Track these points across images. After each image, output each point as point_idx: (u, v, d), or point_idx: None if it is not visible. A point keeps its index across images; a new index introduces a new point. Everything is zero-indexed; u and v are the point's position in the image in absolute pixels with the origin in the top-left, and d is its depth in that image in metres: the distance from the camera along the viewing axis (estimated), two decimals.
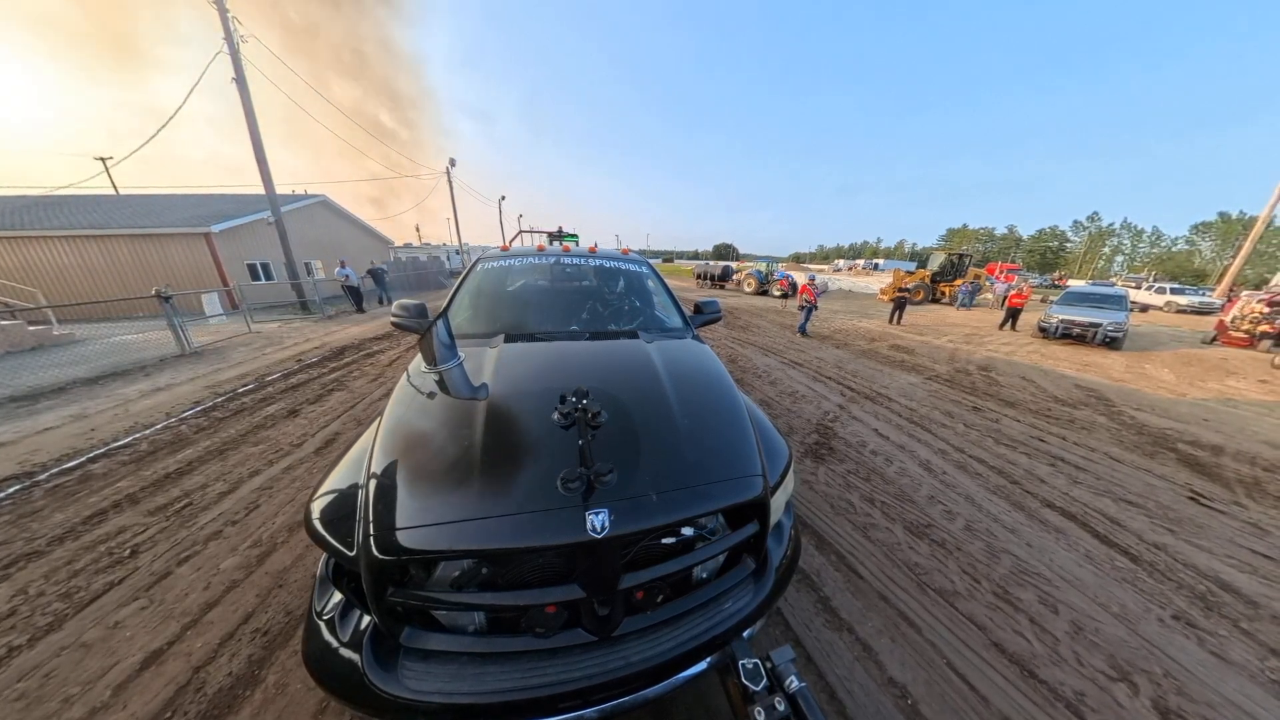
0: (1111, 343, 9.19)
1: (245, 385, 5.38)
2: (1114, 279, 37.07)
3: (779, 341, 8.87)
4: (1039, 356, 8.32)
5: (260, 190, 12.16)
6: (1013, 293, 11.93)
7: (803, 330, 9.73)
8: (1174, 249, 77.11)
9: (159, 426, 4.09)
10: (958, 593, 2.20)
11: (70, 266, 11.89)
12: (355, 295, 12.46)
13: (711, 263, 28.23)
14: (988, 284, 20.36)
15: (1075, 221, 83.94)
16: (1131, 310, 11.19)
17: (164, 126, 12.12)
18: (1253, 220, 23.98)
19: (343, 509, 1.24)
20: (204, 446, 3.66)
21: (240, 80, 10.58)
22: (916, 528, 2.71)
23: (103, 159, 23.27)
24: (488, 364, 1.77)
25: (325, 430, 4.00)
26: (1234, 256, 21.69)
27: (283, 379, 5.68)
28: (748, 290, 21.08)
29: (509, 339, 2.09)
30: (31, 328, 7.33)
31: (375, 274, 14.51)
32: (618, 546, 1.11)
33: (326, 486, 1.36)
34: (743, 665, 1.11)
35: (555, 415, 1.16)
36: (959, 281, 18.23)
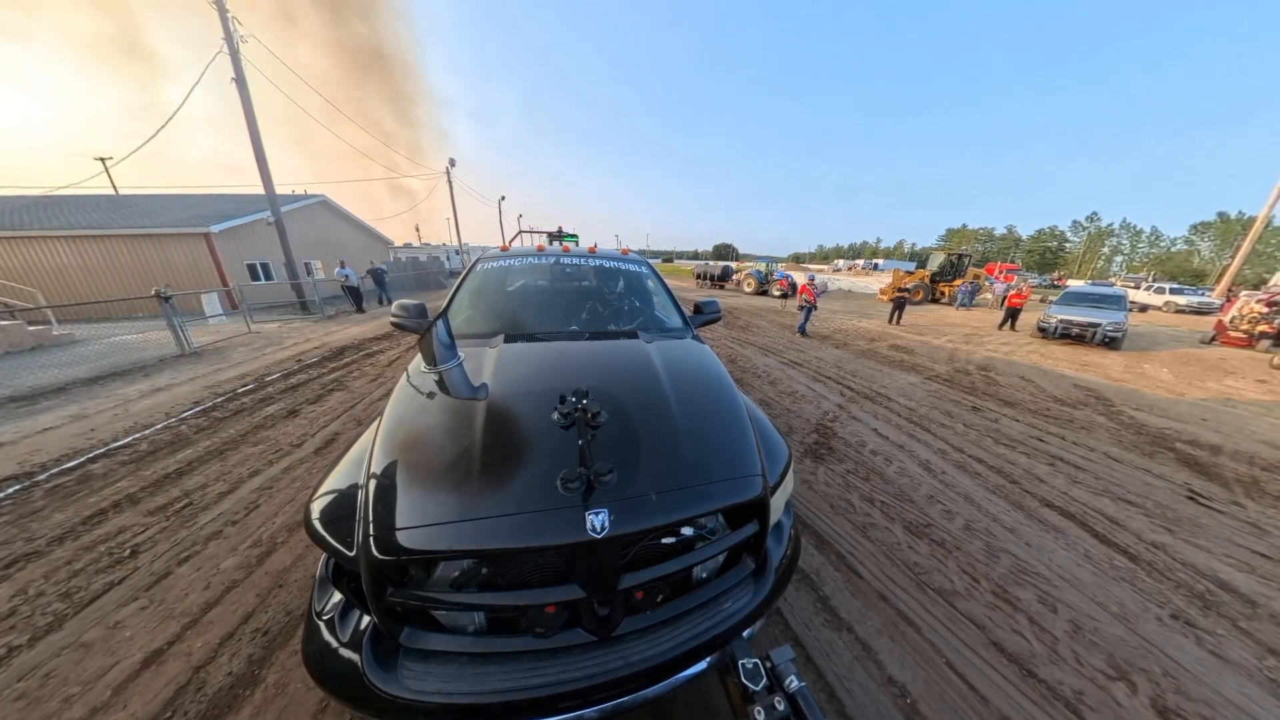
0: (1110, 343, 9.20)
1: (245, 385, 5.37)
2: (1113, 279, 37.12)
3: (778, 341, 8.88)
4: (1038, 356, 8.33)
5: (260, 190, 12.16)
6: (1012, 293, 11.94)
7: (802, 330, 9.73)
8: (1173, 249, 77.18)
9: (159, 427, 4.09)
10: (957, 592, 2.20)
11: (70, 266, 11.88)
12: (355, 295, 12.45)
13: (711, 263, 28.25)
14: (987, 284, 20.38)
15: (1074, 222, 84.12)
16: (1130, 310, 11.20)
17: (164, 126, 12.12)
18: (1251, 220, 24.01)
19: (342, 509, 1.25)
20: (204, 447, 3.66)
21: (240, 80, 10.58)
22: (916, 527, 2.71)
23: (102, 159, 23.25)
24: (487, 364, 1.77)
25: (325, 430, 4.00)
26: (1233, 256, 21.72)
27: (282, 379, 5.68)
28: (747, 290, 21.08)
29: (509, 339, 2.09)
30: (31, 328, 7.33)
31: (375, 274, 14.50)
32: (617, 546, 1.11)
33: (326, 486, 1.37)
34: (742, 665, 1.11)
35: (555, 415, 1.16)
36: (958, 281, 18.25)
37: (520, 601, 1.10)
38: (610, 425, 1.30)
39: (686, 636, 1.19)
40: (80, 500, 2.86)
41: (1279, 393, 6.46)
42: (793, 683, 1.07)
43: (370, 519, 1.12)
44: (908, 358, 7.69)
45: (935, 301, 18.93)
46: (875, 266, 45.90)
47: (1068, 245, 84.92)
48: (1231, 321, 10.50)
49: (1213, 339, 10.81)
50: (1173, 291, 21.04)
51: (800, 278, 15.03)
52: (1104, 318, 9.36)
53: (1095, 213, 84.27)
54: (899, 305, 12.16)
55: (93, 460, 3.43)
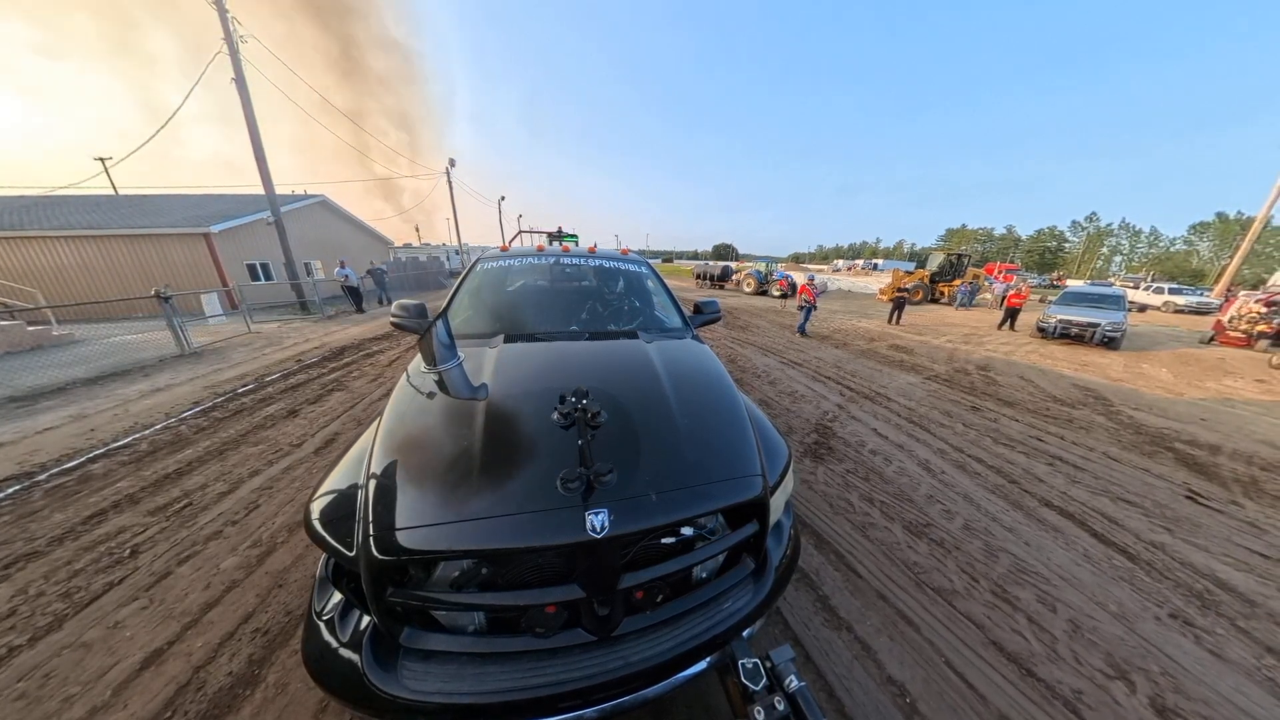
0: (1109, 342, 9.21)
1: (245, 385, 5.37)
2: (1112, 279, 37.15)
3: (778, 341, 8.88)
4: (1037, 356, 8.33)
5: (260, 190, 12.16)
6: (1011, 293, 11.95)
7: (802, 330, 9.74)
8: (1172, 249, 77.26)
9: (159, 427, 4.09)
10: (956, 591, 2.21)
11: (70, 267, 11.87)
12: (355, 295, 12.45)
13: (711, 263, 28.26)
14: (986, 284, 20.39)
15: (1073, 222, 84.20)
16: (1129, 310, 11.21)
17: (164, 126, 12.12)
18: (1250, 220, 24.05)
19: (342, 509, 1.25)
20: (204, 447, 3.66)
21: (239, 80, 10.57)
22: (915, 527, 2.72)
23: (102, 159, 23.21)
24: (487, 364, 1.77)
25: (325, 430, 4.00)
26: (1231, 256, 21.75)
27: (282, 379, 5.68)
28: (747, 290, 21.09)
29: (509, 339, 2.09)
30: (31, 328, 7.32)
31: (375, 274, 14.50)
32: (617, 546, 1.11)
33: (326, 487, 1.37)
34: (742, 665, 1.12)
35: (555, 415, 1.17)
36: (958, 281, 18.26)
37: (520, 601, 1.10)
38: (610, 425, 1.30)
39: (686, 636, 1.19)
40: (80, 500, 2.86)
41: (1278, 393, 6.47)
42: (792, 682, 1.07)
43: (370, 519, 1.12)
44: (907, 358, 7.69)
45: (935, 301, 18.94)
46: (875, 266, 45.92)
47: (1067, 245, 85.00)
48: (1230, 321, 10.51)
49: (1211, 339, 10.82)
50: (1171, 291, 21.07)
51: (800, 278, 15.03)
52: (1103, 318, 9.37)
53: (1094, 213, 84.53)
54: (898, 305, 12.17)
55: (93, 460, 3.43)
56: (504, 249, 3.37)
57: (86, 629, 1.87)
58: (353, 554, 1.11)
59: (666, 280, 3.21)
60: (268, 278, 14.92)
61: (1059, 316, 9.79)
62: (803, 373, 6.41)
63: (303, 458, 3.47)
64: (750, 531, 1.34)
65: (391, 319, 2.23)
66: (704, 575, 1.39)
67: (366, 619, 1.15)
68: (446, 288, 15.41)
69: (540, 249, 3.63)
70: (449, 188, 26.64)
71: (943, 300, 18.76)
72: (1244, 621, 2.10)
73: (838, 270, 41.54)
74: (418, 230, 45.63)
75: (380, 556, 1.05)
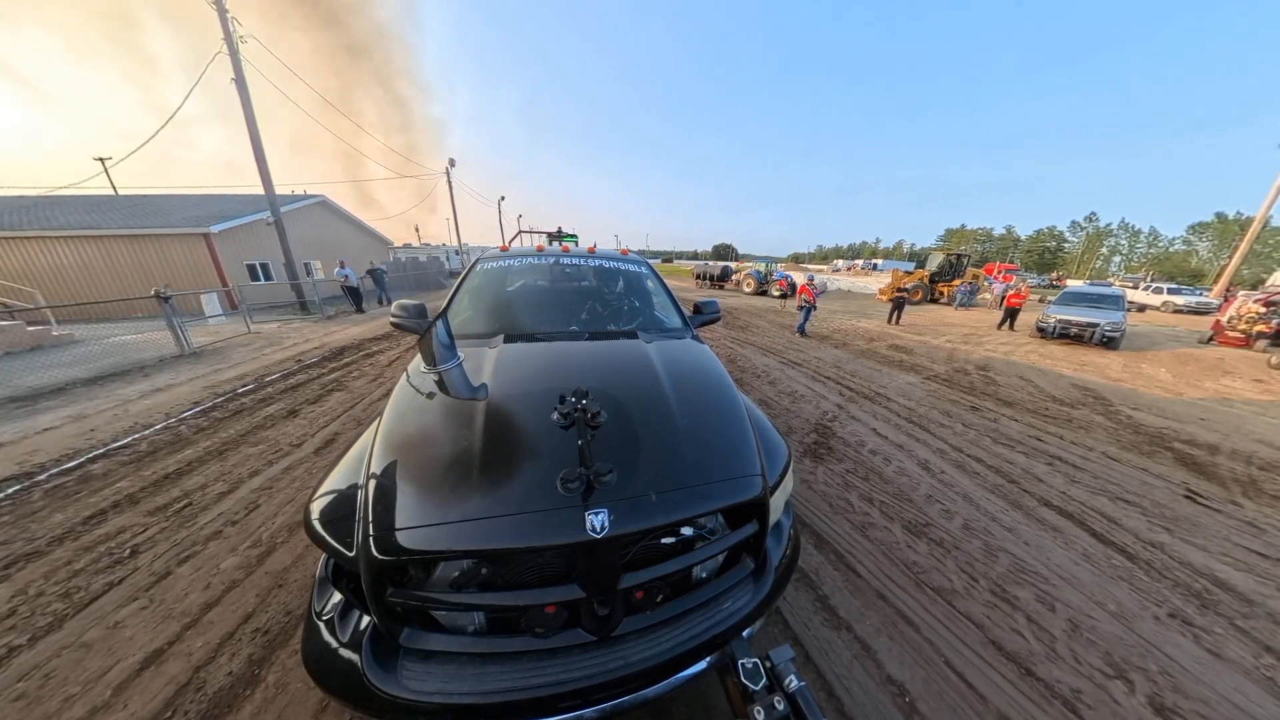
0: (1109, 342, 9.22)
1: (245, 386, 5.37)
2: (1111, 279, 37.18)
3: (778, 341, 8.89)
4: (1037, 356, 8.34)
5: (260, 190, 12.15)
6: (1011, 293, 11.96)
7: (802, 330, 9.75)
8: (1171, 249, 77.33)
9: (158, 427, 4.09)
10: (955, 591, 2.21)
11: (69, 267, 11.87)
12: (355, 295, 12.45)
13: (711, 263, 28.27)
14: (986, 284, 20.41)
15: (1073, 222, 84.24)
16: (1129, 310, 11.22)
17: (164, 126, 12.12)
18: (1249, 221, 24.08)
19: (342, 509, 1.25)
20: (203, 447, 3.66)
21: (239, 80, 10.57)
22: (915, 526, 2.72)
23: (101, 159, 23.19)
24: (487, 364, 1.77)
25: (325, 431, 4.00)
26: (1230, 257, 21.77)
27: (282, 379, 5.68)
28: (747, 290, 21.09)
29: (508, 339, 2.09)
30: (30, 328, 7.32)
31: (375, 274, 14.49)
32: (617, 546, 1.11)
33: (326, 487, 1.37)
34: (742, 665, 1.12)
35: (555, 415, 1.17)
36: (957, 282, 18.27)
37: (520, 601, 1.10)
38: (610, 425, 1.30)
39: (686, 636, 1.19)
40: (80, 500, 2.86)
41: (1276, 392, 6.48)
42: (792, 682, 1.07)
43: (370, 519, 1.12)
44: (907, 358, 7.70)
45: (934, 301, 18.95)
46: (874, 266, 45.94)
47: (1066, 245, 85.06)
48: (1229, 321, 10.52)
49: (1210, 339, 10.84)
50: (1170, 291, 21.10)
51: (799, 278, 15.04)
52: (1102, 318, 9.38)
53: (1094, 213, 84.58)
54: (898, 305, 12.17)
55: (92, 460, 3.43)
56: (504, 249, 3.38)
57: (86, 629, 1.87)
58: (352, 554, 1.11)
59: (666, 280, 3.21)
60: (267, 278, 14.92)
61: (1058, 316, 9.80)
62: (802, 373, 6.42)
63: (302, 458, 3.47)
64: (750, 531, 1.34)
65: (391, 319, 2.23)
66: (704, 575, 1.39)
67: (366, 619, 1.15)
68: (446, 288, 15.40)
69: (540, 249, 3.63)
70: (449, 188, 26.64)
71: (942, 300, 18.76)
72: (1242, 621, 2.11)
73: (837, 270, 41.56)
74: (417, 230, 45.60)
75: (380, 556, 1.06)
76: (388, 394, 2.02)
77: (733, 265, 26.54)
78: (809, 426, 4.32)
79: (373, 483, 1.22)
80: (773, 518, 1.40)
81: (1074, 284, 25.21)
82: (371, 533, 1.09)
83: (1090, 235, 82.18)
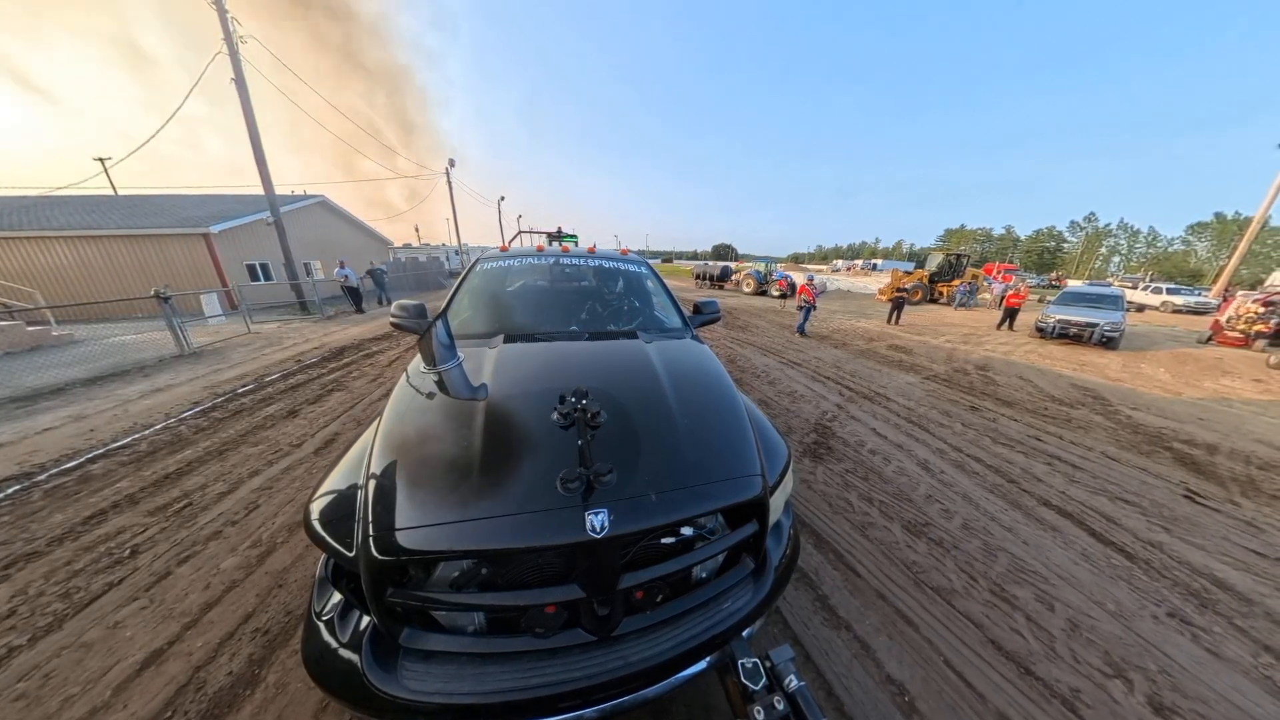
0: (1108, 342, 9.23)
1: (244, 386, 5.37)
2: (1110, 279, 37.22)
3: (777, 341, 8.89)
4: (1036, 356, 8.35)
5: (259, 190, 12.15)
6: (1010, 293, 11.97)
7: (801, 330, 9.75)
8: (1170, 249, 77.40)
9: (158, 427, 4.09)
10: (955, 591, 2.21)
11: (69, 267, 11.86)
12: (355, 296, 12.45)
13: (710, 263, 28.29)
14: (985, 284, 20.42)
15: (1072, 222, 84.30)
16: (1128, 310, 11.23)
17: (163, 126, 12.12)
18: (1248, 221, 24.11)
19: (342, 509, 1.25)
20: (203, 447, 3.66)
21: (239, 81, 10.57)
22: (914, 526, 2.72)
23: (101, 159, 23.18)
24: (487, 364, 1.77)
25: (325, 431, 4.00)
26: (1229, 257, 21.80)
27: (282, 379, 5.67)
28: (746, 290, 21.10)
29: (508, 339, 2.09)
30: (30, 328, 7.31)
31: (375, 274, 14.49)
32: (617, 546, 1.11)
33: (326, 487, 1.37)
34: (742, 665, 1.12)
35: (555, 415, 1.17)
36: (957, 282, 18.28)
37: (520, 601, 1.10)
38: (610, 425, 1.30)
39: (686, 636, 1.19)
40: (80, 500, 2.86)
41: (1275, 392, 6.49)
42: (792, 682, 1.07)
43: (370, 519, 1.12)
44: (906, 358, 7.70)
45: (934, 302, 18.96)
46: (874, 267, 45.96)
47: (1065, 245, 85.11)
48: (1228, 321, 10.54)
49: (1209, 339, 10.85)
50: (1170, 291, 21.13)
51: (799, 278, 15.05)
52: (1101, 318, 9.39)
53: (1093, 213, 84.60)
54: (897, 305, 12.18)
55: (92, 461, 3.43)
56: (504, 249, 3.38)
57: (86, 629, 1.88)
58: (352, 554, 1.11)
59: (666, 280, 3.21)
60: (267, 278, 14.91)
61: (1057, 316, 9.81)
62: (802, 373, 6.42)
63: (302, 458, 3.47)
64: (750, 531, 1.34)
65: (391, 319, 2.23)
66: (704, 575, 1.40)
67: (366, 619, 1.15)
68: (446, 288, 15.40)
69: (540, 249, 3.63)
70: (449, 188, 26.63)
71: (942, 300, 18.77)
72: (1241, 620, 2.11)
73: (837, 270, 41.59)
74: (417, 230, 45.58)
75: (380, 557, 1.06)
76: (387, 394, 2.02)
77: (732, 265, 26.56)
78: (808, 426, 4.32)
79: (372, 483, 1.22)
80: (772, 518, 1.40)
81: (1073, 284, 25.24)
82: (371, 533, 1.09)
83: (1089, 235, 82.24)
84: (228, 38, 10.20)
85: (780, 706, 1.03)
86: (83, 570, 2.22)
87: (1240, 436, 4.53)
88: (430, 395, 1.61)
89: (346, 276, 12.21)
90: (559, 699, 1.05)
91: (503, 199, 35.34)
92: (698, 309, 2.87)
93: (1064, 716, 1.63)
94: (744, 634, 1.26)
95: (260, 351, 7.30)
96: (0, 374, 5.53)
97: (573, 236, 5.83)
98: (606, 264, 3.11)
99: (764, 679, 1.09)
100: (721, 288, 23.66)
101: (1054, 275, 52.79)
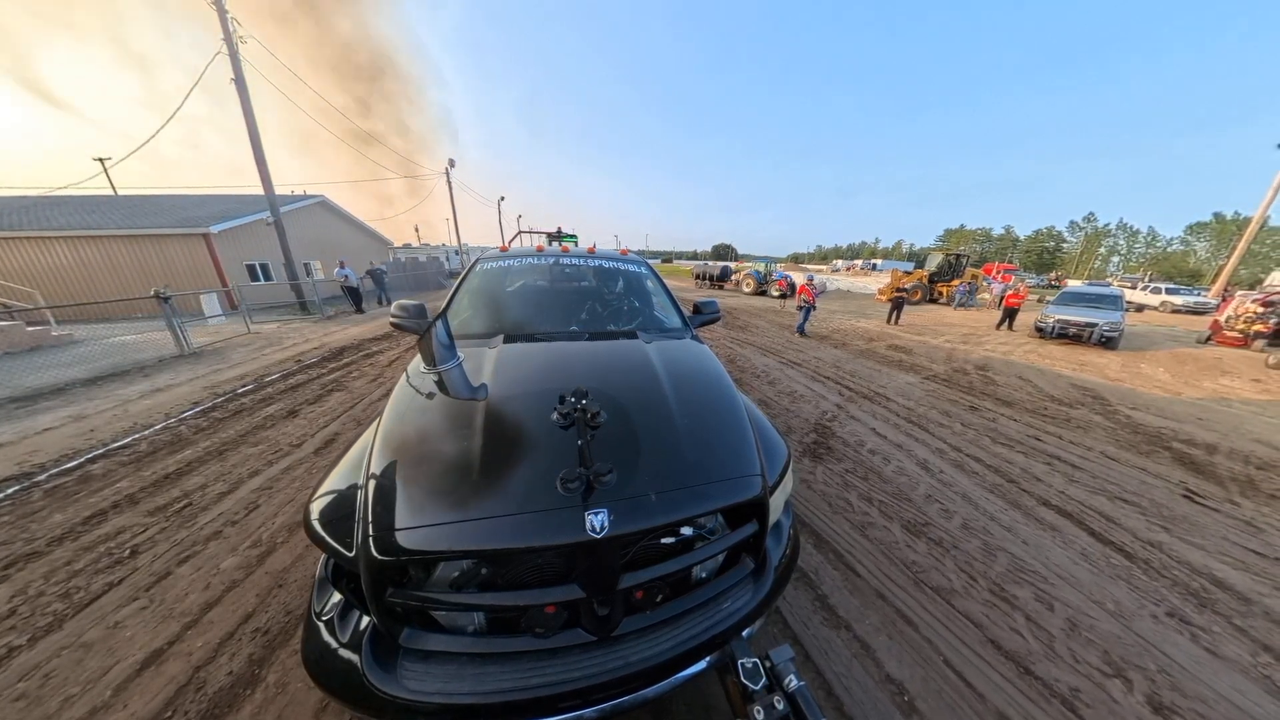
0: (1107, 342, 9.23)
1: (244, 386, 5.37)
2: (1110, 279, 37.24)
3: (777, 341, 8.89)
4: (1036, 356, 8.35)
5: (259, 190, 12.15)
6: (1009, 293, 11.97)
7: (801, 330, 9.76)
8: (1169, 249, 77.46)
9: (158, 427, 4.09)
10: (954, 590, 2.21)
11: (69, 267, 11.85)
12: (354, 296, 12.44)
13: (710, 263, 28.30)
14: (985, 284, 20.42)
15: (1071, 222, 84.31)
16: (1127, 310, 11.24)
17: (163, 126, 12.11)
18: (1247, 221, 24.13)
19: (342, 509, 1.25)
20: (203, 447, 3.66)
21: (239, 81, 10.56)
22: (914, 526, 2.73)
23: (101, 159, 23.16)
24: (487, 364, 1.77)
25: (325, 431, 4.00)
26: (1228, 257, 21.81)
27: (282, 379, 5.67)
28: (746, 290, 21.11)
29: (508, 339, 2.09)
30: (30, 328, 7.31)
31: (374, 274, 14.49)
32: (617, 546, 1.11)
33: (325, 487, 1.37)
34: (742, 664, 1.12)
35: (554, 415, 1.17)
36: (956, 282, 18.29)
37: (520, 601, 1.10)
38: (610, 425, 1.30)
39: (686, 636, 1.19)
40: (80, 501, 2.86)
41: (1274, 392, 6.49)
42: (792, 682, 1.07)
43: (369, 519, 1.12)
44: (906, 357, 7.70)
45: (933, 301, 18.96)
46: (874, 267, 45.97)
47: (1065, 245, 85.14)
48: (1227, 321, 10.54)
49: (1208, 339, 10.85)
50: (1169, 291, 21.14)
51: (799, 278, 15.05)
52: (1101, 318, 9.40)
53: (1092, 213, 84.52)
54: (897, 305, 12.18)
55: (92, 461, 3.43)
56: (503, 249, 3.38)
57: (86, 629, 1.88)
58: (352, 554, 1.12)
59: (666, 280, 3.21)
60: (267, 278, 14.90)
61: (1057, 316, 9.82)
62: (802, 373, 6.42)
63: (302, 458, 3.47)
64: (750, 531, 1.34)
65: (391, 319, 2.23)
66: (703, 575, 1.40)
67: (366, 619, 1.15)
68: (446, 288, 15.40)
69: (540, 249, 3.63)
70: (449, 188, 26.63)
71: (941, 300, 18.78)
72: (1240, 619, 2.11)
73: (837, 270, 41.60)
74: (417, 230, 45.57)
75: (380, 557, 1.06)
76: (387, 394, 2.02)
77: (732, 265, 26.56)
78: (808, 426, 4.32)
79: (372, 483, 1.22)
80: (772, 517, 1.40)
81: (1073, 284, 25.26)
82: (371, 533, 1.09)
83: (1089, 235, 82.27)
84: (227, 38, 10.19)
85: (780, 706, 1.03)
86: (83, 570, 2.22)
87: (1239, 436, 4.54)
88: (430, 395, 1.61)
89: (346, 276, 12.20)
90: (559, 699, 1.05)
91: (503, 199, 35.35)
92: (697, 309, 2.87)
93: (1063, 716, 1.63)
94: (744, 634, 1.26)
95: (260, 351, 7.30)
96: (0, 374, 5.53)
97: (573, 236, 5.83)
98: (606, 264, 3.11)
99: (764, 679, 1.09)
100: (721, 288, 23.66)
101: (1053, 275, 52.81)
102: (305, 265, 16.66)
